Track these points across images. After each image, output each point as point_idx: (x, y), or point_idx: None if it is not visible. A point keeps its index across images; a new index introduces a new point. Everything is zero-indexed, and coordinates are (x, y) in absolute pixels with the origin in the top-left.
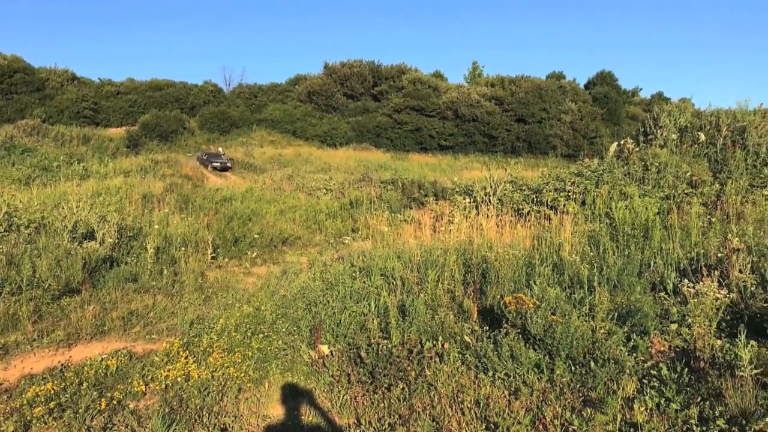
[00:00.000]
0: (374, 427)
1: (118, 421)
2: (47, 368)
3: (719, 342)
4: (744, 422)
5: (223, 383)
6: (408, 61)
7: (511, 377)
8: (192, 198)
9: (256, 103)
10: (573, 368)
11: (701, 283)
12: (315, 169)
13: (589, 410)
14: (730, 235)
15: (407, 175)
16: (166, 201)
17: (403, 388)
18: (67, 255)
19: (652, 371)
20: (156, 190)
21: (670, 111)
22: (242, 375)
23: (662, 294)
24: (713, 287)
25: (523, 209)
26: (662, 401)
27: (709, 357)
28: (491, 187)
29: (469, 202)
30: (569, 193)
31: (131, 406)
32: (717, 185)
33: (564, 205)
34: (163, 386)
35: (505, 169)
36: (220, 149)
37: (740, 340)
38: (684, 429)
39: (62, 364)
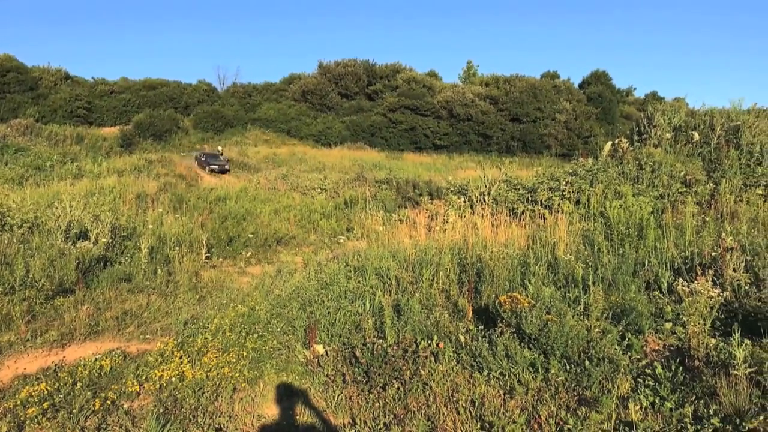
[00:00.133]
0: (369, 427)
1: (113, 421)
2: (41, 368)
3: (713, 341)
4: (738, 421)
5: (217, 383)
6: (402, 60)
7: (506, 376)
8: (186, 197)
9: (250, 103)
10: (568, 367)
11: (695, 282)
12: (309, 168)
13: (584, 409)
14: (724, 234)
15: (402, 175)
16: (160, 200)
17: (399, 388)
18: (61, 255)
19: (646, 370)
20: (150, 189)
21: (664, 110)
22: (237, 375)
23: (657, 293)
24: (707, 286)
25: (517, 208)
26: (657, 400)
27: (703, 356)
28: (486, 186)
29: (464, 202)
30: (564, 193)
31: (125, 406)
32: (711, 184)
33: (559, 205)
34: (158, 386)
35: (500, 169)
36: (219, 148)
37: (734, 339)
38: (679, 427)
39: (56, 365)
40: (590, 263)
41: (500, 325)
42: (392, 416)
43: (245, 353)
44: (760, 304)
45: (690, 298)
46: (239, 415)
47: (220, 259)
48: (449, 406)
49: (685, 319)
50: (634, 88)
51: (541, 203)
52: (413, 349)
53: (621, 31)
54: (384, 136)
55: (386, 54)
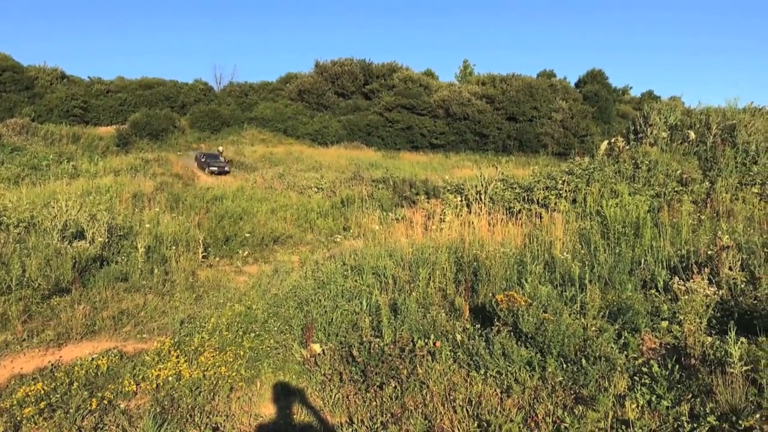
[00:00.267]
0: (366, 426)
1: (109, 420)
2: (37, 368)
3: (710, 339)
4: (734, 419)
5: (214, 382)
6: (399, 59)
7: (503, 375)
8: (183, 197)
9: (246, 102)
10: (564, 366)
11: (691, 280)
12: (306, 167)
13: (580, 407)
14: (720, 232)
15: (398, 174)
16: (156, 200)
17: (395, 387)
18: (57, 254)
19: (643, 368)
20: (146, 189)
21: (660, 109)
22: (234, 374)
23: (653, 291)
24: (703, 285)
25: (514, 207)
26: (653, 398)
27: (699, 354)
28: (482, 185)
29: (461, 201)
30: (560, 192)
31: (122, 405)
32: (707, 183)
33: (555, 204)
34: (154, 386)
35: (497, 168)
36: (220, 148)
37: (730, 337)
38: (675, 426)
39: (52, 364)
40: (587, 262)
41: (497, 323)
42: (389, 415)
43: (242, 352)
44: (755, 302)
45: (686, 297)
46: (236, 415)
47: (217, 259)
48: (446, 405)
49: (681, 317)
50: (630, 87)
51: (538, 202)
52: (410, 348)
53: (617, 31)
54: (381, 135)
55: (383, 53)
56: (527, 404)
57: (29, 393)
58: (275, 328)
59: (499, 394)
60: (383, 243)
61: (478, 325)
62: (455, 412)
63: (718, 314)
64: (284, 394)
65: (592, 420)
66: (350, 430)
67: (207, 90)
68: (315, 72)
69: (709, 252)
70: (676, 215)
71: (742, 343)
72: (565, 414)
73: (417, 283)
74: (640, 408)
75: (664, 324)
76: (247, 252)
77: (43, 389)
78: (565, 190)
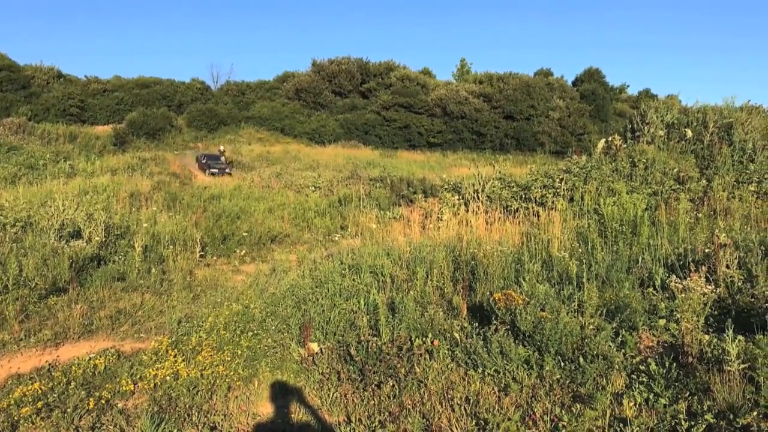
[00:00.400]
0: (364, 425)
1: (107, 420)
2: (34, 368)
3: (707, 337)
4: (732, 416)
5: (212, 382)
6: (396, 58)
7: (501, 373)
8: (180, 196)
9: (244, 101)
10: (562, 364)
11: (689, 278)
12: (303, 166)
13: (578, 406)
14: (717, 230)
15: (396, 173)
16: (153, 199)
17: (393, 386)
18: (54, 254)
19: (640, 366)
20: (143, 188)
21: (657, 108)
22: (231, 373)
23: (650, 290)
24: (701, 283)
25: (511, 206)
26: (651, 396)
27: (697, 352)
28: (480, 184)
29: (458, 199)
30: (558, 190)
31: (120, 405)
32: (704, 181)
33: (552, 202)
34: (152, 385)
35: (494, 166)
36: (221, 148)
37: (728, 335)
38: (672, 424)
39: (50, 364)
40: (584, 260)
41: (495, 322)
42: (387, 414)
43: (240, 352)
44: (753, 300)
45: (683, 295)
46: (234, 414)
47: (215, 258)
48: (444, 404)
49: (678, 315)
50: (627, 86)
51: (535, 201)
52: (408, 346)
53: (614, 29)
54: (378, 134)
55: (380, 52)
56: (525, 402)
57: (26, 393)
58: (273, 327)
59: (497, 393)
60: (381, 242)
61: (476, 324)
62: (453, 410)
63: (716, 312)
64: (282, 393)
65: (590, 418)
66: (348, 428)
67: (204, 89)
68: (312, 71)
69: (707, 250)
70: (673, 213)
71: (739, 341)
72: (563, 412)
73: (415, 281)
74: (637, 406)
75: (662, 322)
76: (244, 251)
77: (40, 389)
78: (563, 189)
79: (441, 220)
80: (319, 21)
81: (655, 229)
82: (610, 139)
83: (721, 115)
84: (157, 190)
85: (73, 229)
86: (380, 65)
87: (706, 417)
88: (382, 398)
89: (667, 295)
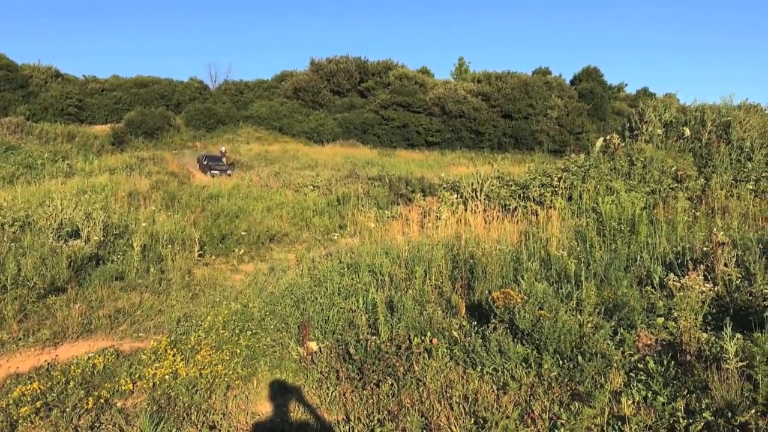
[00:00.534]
0: (363, 423)
1: (106, 419)
2: (33, 367)
3: (705, 335)
4: (730, 414)
5: (211, 381)
6: (394, 57)
7: (500, 372)
8: (178, 195)
9: (242, 100)
10: (561, 362)
11: (687, 277)
12: (302, 165)
13: (577, 404)
14: (715, 229)
15: (394, 172)
16: (152, 198)
17: (392, 384)
18: (53, 253)
19: (639, 365)
20: (142, 187)
21: (656, 106)
22: (230, 372)
23: (649, 288)
24: (699, 281)
25: (510, 205)
26: (649, 394)
27: (695, 350)
28: (478, 182)
29: (457, 198)
30: (556, 189)
31: (119, 404)
32: (702, 180)
33: (551, 201)
34: (151, 384)
35: (492, 165)
36: (222, 149)
37: (726, 333)
38: (671, 421)
39: (48, 363)
40: (583, 259)
41: (493, 321)
42: (386, 412)
43: (239, 351)
44: (751, 298)
45: (681, 293)
46: (233, 413)
47: (213, 257)
48: (443, 402)
49: (676, 313)
50: (626, 84)
51: (534, 199)
52: (407, 345)
53: (612, 28)
54: (376, 133)
55: (378, 51)
56: (524, 401)
57: (25, 392)
58: (272, 327)
59: (496, 391)
60: (379, 241)
61: (475, 323)
62: (452, 409)
63: (714, 310)
64: (281, 392)
65: (589, 416)
66: (347, 427)
67: (202, 88)
68: (310, 70)
69: (705, 248)
70: (671, 212)
71: (737, 339)
72: (562, 410)
73: (413, 280)
74: (636, 404)
75: (660, 320)
76: (243, 250)
77: (39, 388)
78: (561, 188)
79: (439, 218)
80: (318, 20)
81: (654, 228)
82: (608, 137)
83: (719, 113)
84: (155, 190)
85: (71, 229)
86: (378, 64)
87: (704, 415)
88: (380, 397)
89: (665, 294)
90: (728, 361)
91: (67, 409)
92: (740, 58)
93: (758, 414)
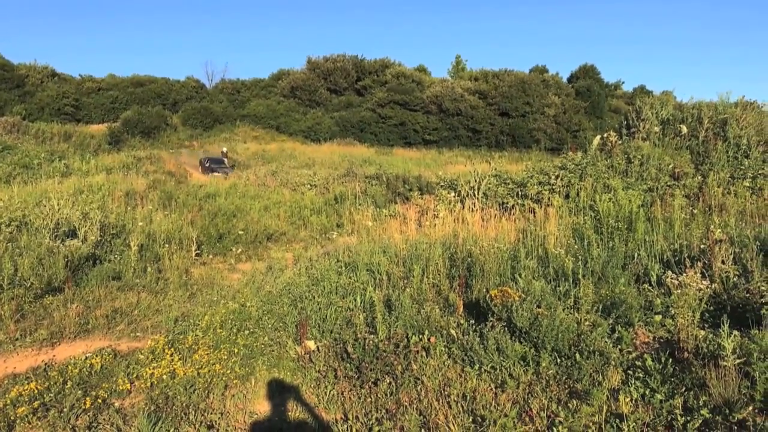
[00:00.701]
0: (361, 422)
1: (104, 419)
2: (30, 367)
3: (702, 332)
4: (727, 411)
5: (209, 380)
6: (391, 55)
7: (498, 370)
8: (175, 194)
9: (239, 99)
10: (558, 360)
11: (684, 274)
12: (299, 164)
13: (574, 402)
14: (712, 226)
15: (392, 170)
16: (149, 198)
17: (390, 383)
18: (49, 253)
19: (636, 362)
20: (139, 187)
21: (653, 104)
22: (228, 372)
23: (646, 285)
24: (696, 278)
25: (507, 203)
26: (647, 392)
27: (692, 347)
28: (476, 181)
29: (454, 197)
30: (553, 187)
31: (116, 404)
32: (699, 177)
33: (548, 199)
34: (149, 384)
35: (490, 163)
36: (223, 149)
37: (723, 331)
38: (669, 419)
39: (46, 363)
40: (580, 257)
41: (491, 319)
42: (384, 411)
43: (236, 350)
44: (748, 295)
45: (679, 291)
46: (231, 412)
47: (210, 256)
48: (441, 401)
49: (674, 311)
50: (623, 82)
51: (531, 197)
52: (405, 344)
53: (609, 26)
54: (373, 132)
55: (375, 49)
56: (522, 399)
57: (22, 392)
58: (269, 326)
59: (494, 389)
60: (377, 239)
61: (473, 321)
62: (450, 407)
63: (711, 308)
64: (279, 391)
65: (586, 414)
66: (345, 426)
67: (199, 87)
68: (307, 68)
69: (702, 246)
70: (668, 209)
71: (734, 336)
72: (560, 408)
73: (411, 279)
74: (633, 401)
75: (658, 318)
76: (240, 249)
77: (36, 388)
78: (558, 186)
79: (437, 217)
80: (314, 18)
81: (651, 225)
82: (605, 135)
83: (716, 111)
84: (152, 189)
85: (68, 229)
86: (375, 63)
87: (702, 412)
88: (379, 396)
89: (662, 291)
90: (726, 358)
91: (65, 410)
92: (737, 55)
93: (756, 411)
